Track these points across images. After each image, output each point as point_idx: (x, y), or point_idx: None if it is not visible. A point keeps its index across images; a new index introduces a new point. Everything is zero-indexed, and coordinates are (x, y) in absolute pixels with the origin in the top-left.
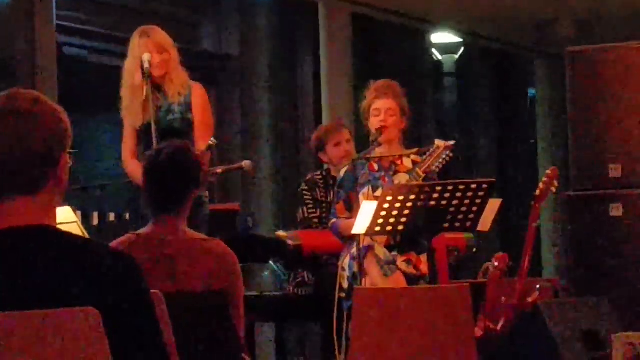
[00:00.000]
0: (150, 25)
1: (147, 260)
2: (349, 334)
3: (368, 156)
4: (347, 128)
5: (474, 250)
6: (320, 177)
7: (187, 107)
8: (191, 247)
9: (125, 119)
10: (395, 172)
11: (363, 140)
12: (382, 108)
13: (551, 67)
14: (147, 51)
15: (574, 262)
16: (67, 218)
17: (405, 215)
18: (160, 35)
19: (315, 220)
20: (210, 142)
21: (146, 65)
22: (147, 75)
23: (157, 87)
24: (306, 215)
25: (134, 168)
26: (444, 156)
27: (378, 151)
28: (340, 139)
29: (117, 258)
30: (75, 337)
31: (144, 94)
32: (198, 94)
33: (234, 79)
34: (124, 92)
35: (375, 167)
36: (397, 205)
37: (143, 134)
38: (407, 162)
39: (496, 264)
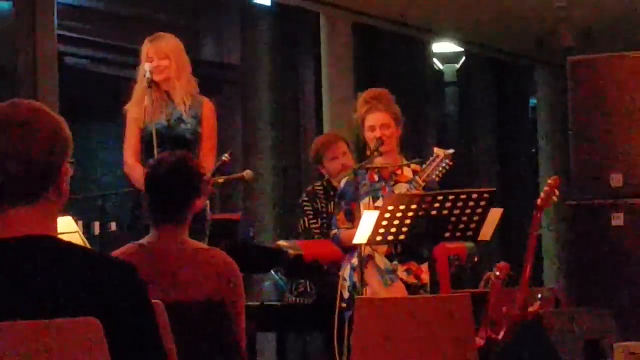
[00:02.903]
0: (155, 33)
1: (149, 270)
2: (350, 344)
3: (368, 166)
4: (342, 140)
5: (475, 259)
6: (320, 187)
7: (198, 121)
8: (192, 256)
9: (129, 118)
10: (396, 182)
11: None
12: (376, 124)
13: (552, 76)
14: (149, 56)
15: (575, 271)
16: (68, 228)
17: (407, 225)
18: (165, 41)
19: (316, 231)
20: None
21: (147, 75)
22: (148, 83)
23: (167, 94)
24: (307, 226)
25: (136, 170)
26: (443, 164)
27: (378, 161)
28: (336, 153)
29: (118, 268)
30: (77, 347)
31: (145, 102)
32: (208, 110)
33: (235, 88)
34: (133, 94)
35: (375, 177)
36: (399, 214)
37: (144, 139)
38: (407, 172)
39: (497, 273)
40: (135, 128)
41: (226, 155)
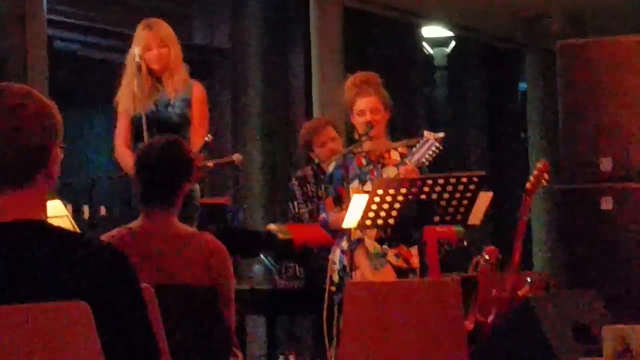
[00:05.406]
0: (150, 18)
1: (138, 254)
2: (340, 327)
3: (357, 150)
4: (331, 125)
5: (465, 243)
6: (310, 172)
7: (187, 103)
8: (182, 241)
9: (119, 106)
10: (384, 166)
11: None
12: (366, 108)
13: (542, 60)
14: (147, 43)
15: (564, 255)
16: (57, 212)
17: (396, 209)
18: (163, 29)
19: (306, 215)
20: (206, 139)
21: (136, 59)
22: (138, 68)
23: (158, 79)
24: (296, 211)
25: (126, 157)
26: (433, 148)
27: (366, 145)
28: (324, 138)
29: (107, 252)
30: (66, 330)
31: (135, 86)
32: (198, 93)
33: (225, 73)
34: (123, 80)
35: (363, 161)
36: (388, 198)
37: (134, 125)
38: (395, 155)
39: (487, 257)
40: (124, 115)
41: (209, 136)
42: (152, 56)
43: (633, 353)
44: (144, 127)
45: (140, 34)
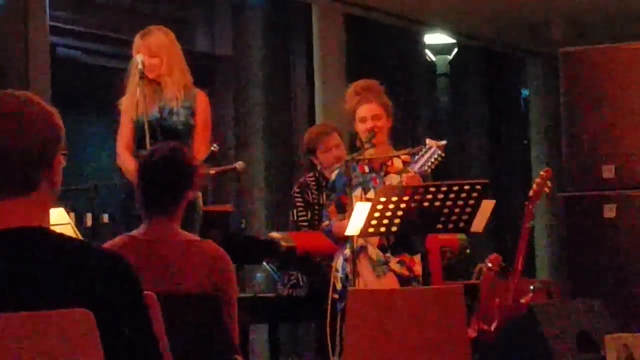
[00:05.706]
0: (149, 26)
1: (141, 262)
2: (343, 335)
3: (360, 158)
4: (336, 132)
5: (468, 251)
6: (312, 179)
7: (192, 112)
8: (185, 248)
9: (122, 110)
10: (386, 173)
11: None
12: (367, 115)
13: (545, 67)
14: (140, 52)
15: (567, 263)
16: (60, 219)
17: (399, 216)
18: (155, 38)
19: (304, 223)
20: (213, 149)
21: (139, 66)
22: (140, 75)
23: (160, 86)
24: (296, 218)
25: (129, 163)
26: (435, 156)
27: (369, 153)
28: (329, 144)
29: (110, 260)
30: (69, 338)
31: (137, 94)
32: (202, 102)
33: (227, 80)
34: (127, 86)
35: (366, 169)
36: (391, 206)
37: (137, 132)
38: (398, 163)
39: (490, 265)
40: (128, 120)
41: (215, 145)
42: (145, 65)
43: None
44: (147, 133)
45: (135, 42)
